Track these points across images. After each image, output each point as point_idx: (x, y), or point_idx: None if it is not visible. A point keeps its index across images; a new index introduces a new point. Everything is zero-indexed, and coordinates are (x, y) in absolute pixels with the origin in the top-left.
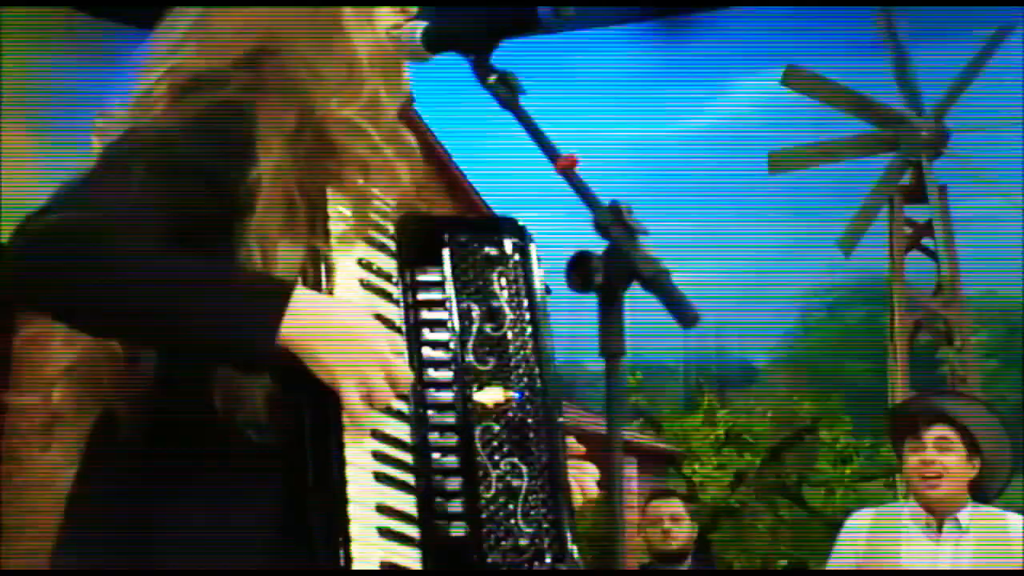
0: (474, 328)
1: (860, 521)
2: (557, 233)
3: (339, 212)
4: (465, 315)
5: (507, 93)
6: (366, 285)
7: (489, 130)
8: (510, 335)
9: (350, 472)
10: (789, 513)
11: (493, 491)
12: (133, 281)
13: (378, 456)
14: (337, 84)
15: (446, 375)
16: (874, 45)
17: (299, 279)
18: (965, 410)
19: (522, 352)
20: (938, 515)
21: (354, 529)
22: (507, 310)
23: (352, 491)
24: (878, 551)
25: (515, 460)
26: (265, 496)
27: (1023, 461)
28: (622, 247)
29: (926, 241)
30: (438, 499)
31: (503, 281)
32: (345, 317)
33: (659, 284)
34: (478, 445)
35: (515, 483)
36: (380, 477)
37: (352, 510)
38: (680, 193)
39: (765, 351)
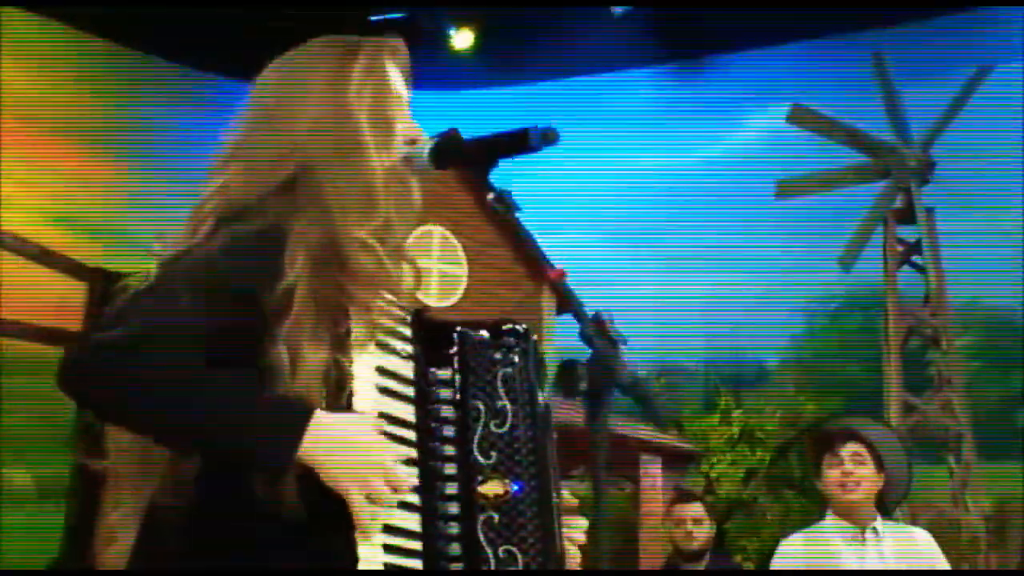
0: (479, 425)
1: (792, 546)
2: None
3: (356, 323)
4: (472, 412)
5: (504, 210)
6: (383, 390)
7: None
8: (511, 432)
9: (361, 567)
10: (796, 502)
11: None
12: (173, 403)
13: (388, 548)
14: (356, 206)
15: (452, 469)
16: (867, 84)
17: (321, 383)
18: (873, 430)
19: (522, 447)
20: (859, 523)
21: None
22: (509, 408)
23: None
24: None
25: (511, 548)
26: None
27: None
28: (605, 356)
29: (916, 258)
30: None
31: (506, 381)
32: (353, 434)
33: (637, 391)
34: (479, 533)
35: (511, 569)
36: (390, 568)
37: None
38: (698, 213)
39: (775, 352)
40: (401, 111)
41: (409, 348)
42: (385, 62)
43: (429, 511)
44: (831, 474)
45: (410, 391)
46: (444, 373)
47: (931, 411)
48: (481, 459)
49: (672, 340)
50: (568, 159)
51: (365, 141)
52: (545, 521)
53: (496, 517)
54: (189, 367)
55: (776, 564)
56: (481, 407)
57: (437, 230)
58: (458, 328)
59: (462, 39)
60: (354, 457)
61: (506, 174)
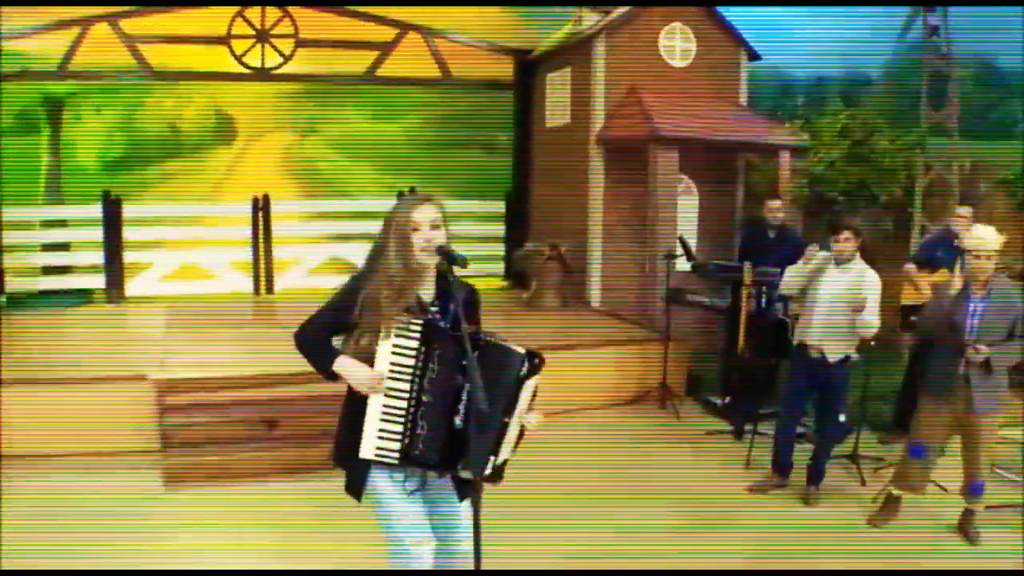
0: (429, 370)
1: (806, 261)
2: None
3: (383, 329)
4: (428, 360)
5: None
6: (396, 353)
7: None
8: (438, 374)
9: (368, 412)
10: (875, 174)
11: (422, 423)
12: (310, 357)
13: (384, 407)
14: (386, 280)
15: (417, 384)
16: None
17: (366, 353)
18: (852, 219)
19: (440, 379)
20: (841, 261)
21: (365, 436)
22: (436, 365)
23: (367, 420)
24: (817, 275)
25: (424, 421)
26: (357, 407)
27: None
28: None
29: (939, 29)
30: (403, 421)
31: (440, 354)
32: (356, 365)
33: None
34: (420, 410)
35: (423, 422)
36: (383, 418)
37: (365, 429)
38: None
39: (870, 74)
40: (418, 232)
41: (417, 333)
42: (411, 214)
43: (409, 398)
44: (836, 247)
45: (413, 353)
46: (421, 347)
47: (942, 119)
48: (427, 384)
49: (810, 58)
50: None
51: (390, 254)
52: (444, 410)
53: (427, 398)
54: (316, 342)
55: (792, 270)
56: (435, 359)
57: (678, 24)
58: (431, 327)
59: None
60: (358, 374)
61: None
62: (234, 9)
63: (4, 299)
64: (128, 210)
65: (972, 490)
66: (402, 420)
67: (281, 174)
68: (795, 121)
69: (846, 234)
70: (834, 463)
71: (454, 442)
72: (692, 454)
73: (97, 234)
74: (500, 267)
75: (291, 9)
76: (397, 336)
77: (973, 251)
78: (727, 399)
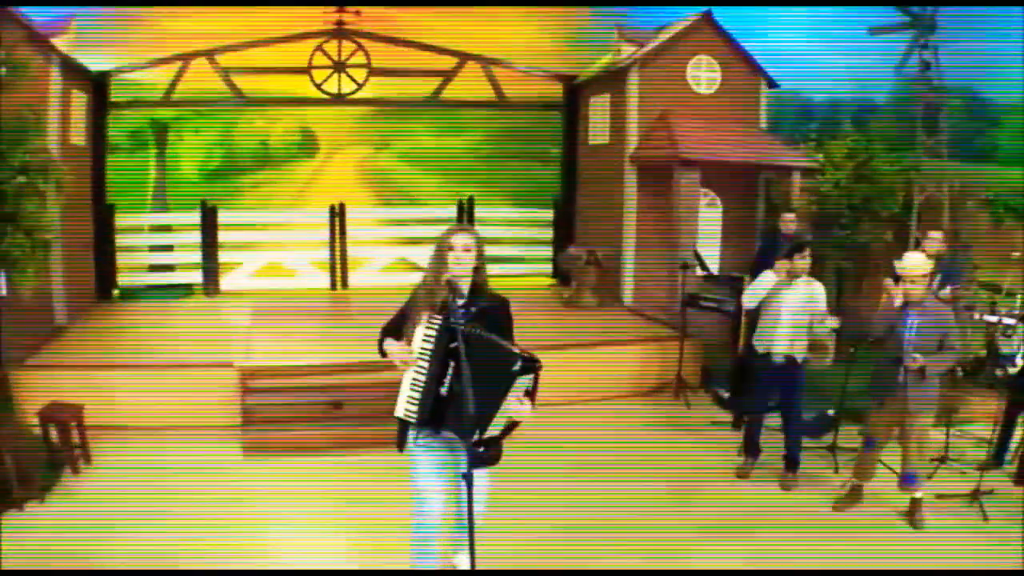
0: (437, 351)
1: (763, 278)
2: None
3: (419, 320)
4: (436, 345)
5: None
6: (424, 340)
7: None
8: (437, 352)
9: (403, 382)
10: (867, 186)
11: (426, 391)
12: (380, 338)
13: (412, 379)
14: (422, 289)
15: (431, 360)
16: None
17: (410, 336)
18: (809, 242)
19: (434, 359)
20: (795, 275)
21: (399, 399)
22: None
23: (401, 387)
24: (777, 289)
25: (423, 385)
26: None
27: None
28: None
29: (931, 65)
30: (422, 391)
31: (439, 338)
32: (394, 346)
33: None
34: (432, 375)
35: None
36: (411, 388)
37: (400, 394)
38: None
39: (874, 101)
40: (452, 252)
41: (437, 327)
42: (449, 238)
43: (428, 375)
44: (800, 263)
45: (433, 341)
46: (437, 333)
47: (934, 145)
48: (437, 363)
49: (823, 86)
50: None
51: (430, 266)
52: (435, 383)
53: (430, 372)
54: (386, 329)
55: (753, 286)
56: (439, 346)
57: (704, 58)
58: (448, 320)
59: None
60: (393, 351)
61: None
62: (315, 43)
63: (117, 293)
64: (223, 216)
65: (905, 480)
66: (421, 390)
67: (357, 183)
68: (808, 144)
69: (807, 251)
70: (813, 453)
71: (439, 406)
72: (693, 441)
73: (196, 237)
74: (548, 267)
75: (364, 42)
76: (425, 328)
77: (903, 276)
78: (727, 393)
